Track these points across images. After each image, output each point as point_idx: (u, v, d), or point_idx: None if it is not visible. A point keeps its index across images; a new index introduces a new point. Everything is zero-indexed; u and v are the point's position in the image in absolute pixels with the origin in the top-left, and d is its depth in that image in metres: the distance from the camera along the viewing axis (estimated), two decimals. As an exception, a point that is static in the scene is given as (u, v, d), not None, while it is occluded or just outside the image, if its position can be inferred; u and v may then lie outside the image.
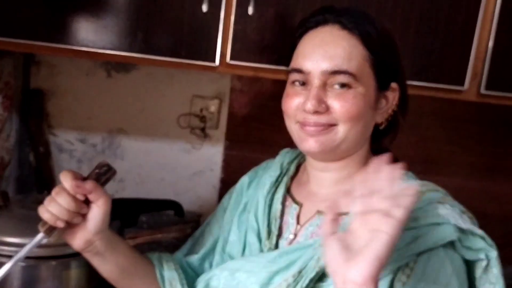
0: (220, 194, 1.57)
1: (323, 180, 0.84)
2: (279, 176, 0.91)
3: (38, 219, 0.84)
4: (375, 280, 0.60)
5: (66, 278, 0.94)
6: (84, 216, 0.80)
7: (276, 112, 1.53)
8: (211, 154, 1.58)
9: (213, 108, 1.55)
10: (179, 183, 1.59)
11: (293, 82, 0.81)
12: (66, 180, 0.78)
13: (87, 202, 0.79)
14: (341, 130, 0.78)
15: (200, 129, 1.55)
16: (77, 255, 0.92)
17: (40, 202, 0.99)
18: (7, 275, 0.88)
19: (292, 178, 0.91)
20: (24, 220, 0.94)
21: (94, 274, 0.97)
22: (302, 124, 0.79)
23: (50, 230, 0.78)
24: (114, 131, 1.56)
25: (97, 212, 0.80)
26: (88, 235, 0.81)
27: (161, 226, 1.38)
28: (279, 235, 0.85)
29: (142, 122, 1.56)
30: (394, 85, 0.82)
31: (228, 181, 1.55)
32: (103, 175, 0.82)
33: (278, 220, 0.85)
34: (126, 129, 1.56)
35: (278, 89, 1.51)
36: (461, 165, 1.52)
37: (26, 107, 1.52)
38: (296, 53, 0.81)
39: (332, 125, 0.78)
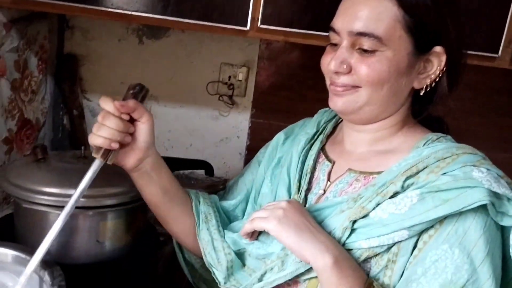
0: (246, 160, 1.60)
1: (358, 139, 0.85)
2: (315, 134, 0.92)
3: (76, 172, 0.87)
4: None
5: (103, 228, 0.96)
6: (132, 136, 0.83)
7: (303, 81, 1.55)
8: (238, 122, 1.60)
9: (241, 76, 1.56)
10: (207, 149, 1.62)
11: (330, 41, 0.81)
12: (108, 104, 0.80)
13: (131, 122, 0.82)
14: (364, 93, 0.78)
15: (228, 96, 1.57)
16: (114, 206, 0.95)
17: (77, 157, 1.03)
18: (47, 224, 0.92)
19: (328, 137, 0.92)
20: (62, 172, 0.97)
21: (130, 225, 1.01)
22: (331, 83, 0.81)
23: (106, 154, 0.80)
24: (145, 96, 1.59)
25: (144, 128, 0.83)
26: (139, 153, 0.84)
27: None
28: (308, 190, 0.86)
29: (171, 88, 1.59)
30: (438, 49, 0.77)
31: (254, 148, 1.55)
32: (138, 93, 0.84)
33: (309, 175, 0.87)
34: (156, 95, 1.59)
35: (305, 58, 1.54)
36: (489, 137, 1.50)
37: (60, 72, 1.56)
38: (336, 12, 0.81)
39: (356, 87, 0.78)
